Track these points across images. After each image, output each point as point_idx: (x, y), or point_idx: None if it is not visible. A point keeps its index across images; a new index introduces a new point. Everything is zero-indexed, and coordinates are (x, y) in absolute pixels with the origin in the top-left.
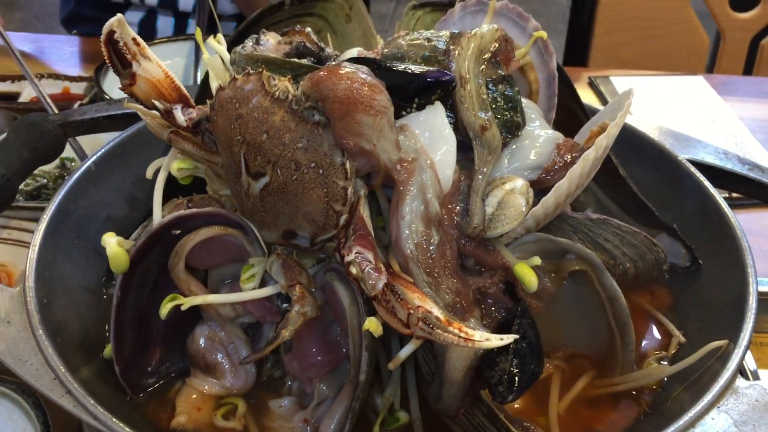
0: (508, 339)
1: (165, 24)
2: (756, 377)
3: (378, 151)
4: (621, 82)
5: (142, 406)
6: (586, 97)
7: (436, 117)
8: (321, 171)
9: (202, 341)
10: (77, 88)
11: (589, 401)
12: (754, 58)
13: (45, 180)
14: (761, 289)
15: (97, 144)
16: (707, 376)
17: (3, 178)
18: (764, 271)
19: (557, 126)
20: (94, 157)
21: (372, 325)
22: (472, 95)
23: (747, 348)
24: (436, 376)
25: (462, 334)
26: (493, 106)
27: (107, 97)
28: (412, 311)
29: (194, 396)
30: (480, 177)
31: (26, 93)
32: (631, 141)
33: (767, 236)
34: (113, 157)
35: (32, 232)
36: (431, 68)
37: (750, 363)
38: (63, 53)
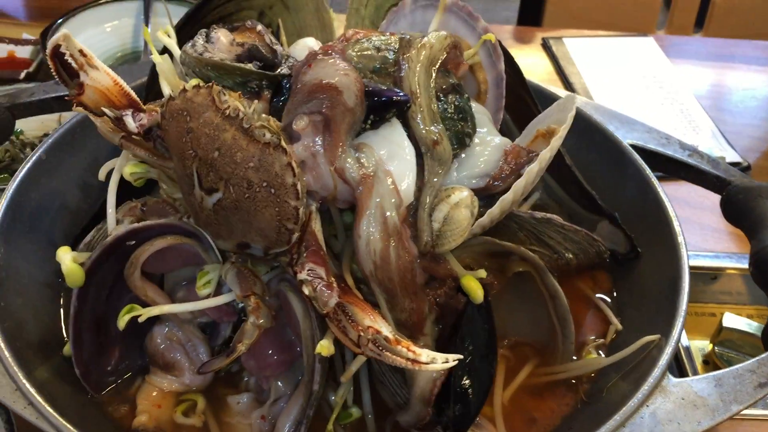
0: (452, 361)
1: None
2: (688, 354)
3: (344, 168)
4: (573, 43)
5: (103, 404)
6: (539, 58)
7: (395, 132)
8: (273, 191)
9: (160, 341)
10: (23, 53)
11: (531, 390)
12: (705, 14)
13: None
14: (696, 263)
15: None
16: (642, 367)
17: None
18: (700, 246)
19: (508, 111)
20: (45, 145)
21: (324, 349)
22: (423, 109)
23: (676, 346)
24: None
25: (410, 355)
26: (444, 118)
27: None
28: (362, 333)
29: (154, 393)
30: (428, 191)
31: None
32: (579, 125)
33: (705, 208)
34: (64, 144)
35: None
36: (384, 86)
37: (683, 339)
38: (5, 9)
